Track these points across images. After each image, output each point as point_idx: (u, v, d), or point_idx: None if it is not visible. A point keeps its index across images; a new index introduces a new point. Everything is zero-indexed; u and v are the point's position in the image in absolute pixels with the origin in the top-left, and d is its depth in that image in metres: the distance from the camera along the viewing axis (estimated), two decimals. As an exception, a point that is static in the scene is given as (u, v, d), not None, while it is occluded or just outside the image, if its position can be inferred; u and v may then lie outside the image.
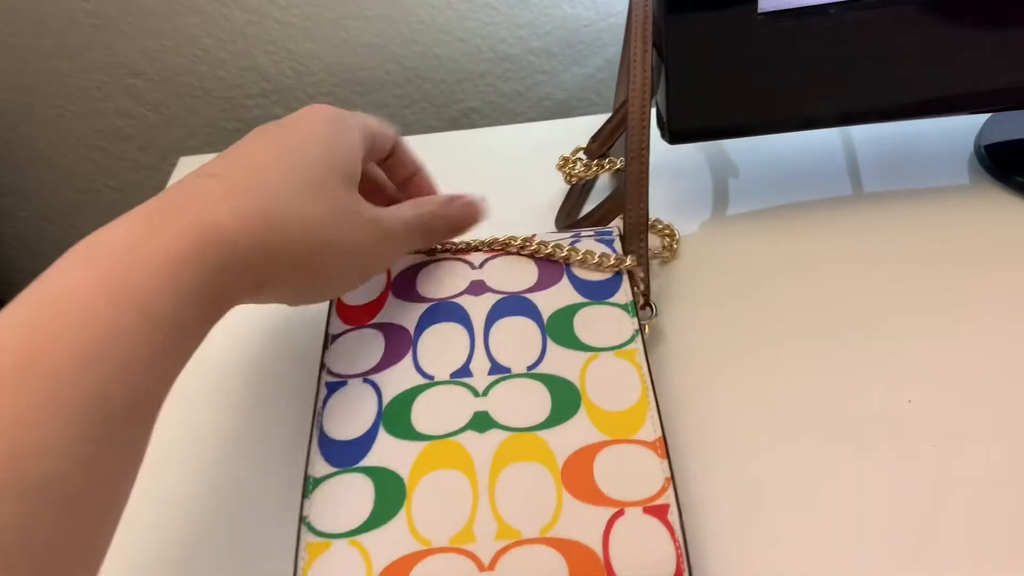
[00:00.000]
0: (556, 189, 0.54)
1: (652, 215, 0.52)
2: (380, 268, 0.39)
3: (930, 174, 0.53)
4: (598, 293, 0.41)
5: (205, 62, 0.72)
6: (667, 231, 0.50)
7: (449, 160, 0.62)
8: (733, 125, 0.48)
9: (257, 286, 0.32)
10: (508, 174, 0.57)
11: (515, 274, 0.41)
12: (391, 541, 0.33)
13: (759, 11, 0.44)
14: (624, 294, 0.41)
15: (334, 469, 0.35)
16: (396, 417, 0.36)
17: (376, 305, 0.40)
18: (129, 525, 0.37)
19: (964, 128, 0.56)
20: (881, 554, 0.35)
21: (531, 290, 0.41)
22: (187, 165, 0.65)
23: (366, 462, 0.35)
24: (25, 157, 0.80)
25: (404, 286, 0.41)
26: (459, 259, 0.42)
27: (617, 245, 0.43)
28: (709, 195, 0.54)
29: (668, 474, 0.34)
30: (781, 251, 0.49)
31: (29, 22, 0.70)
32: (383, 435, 0.35)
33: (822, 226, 0.50)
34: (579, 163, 0.52)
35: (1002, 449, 0.38)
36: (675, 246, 0.49)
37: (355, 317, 0.40)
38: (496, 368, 0.37)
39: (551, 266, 0.42)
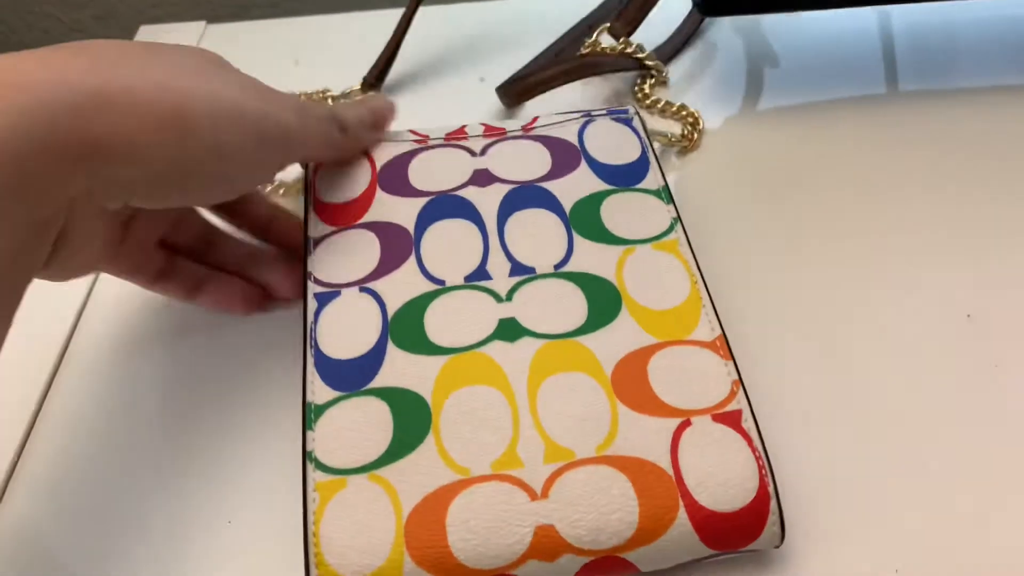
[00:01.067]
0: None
1: (677, 100, 0.46)
2: (289, 156, 0.32)
3: (974, 70, 0.48)
4: (624, 178, 0.35)
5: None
6: (691, 118, 0.45)
7: (477, 32, 0.55)
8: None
9: (91, 148, 0.25)
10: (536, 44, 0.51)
11: (524, 160, 0.36)
12: (420, 472, 0.27)
13: None
14: (654, 178, 0.36)
15: (339, 393, 0.29)
16: (406, 329, 0.31)
17: (362, 203, 0.34)
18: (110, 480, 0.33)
19: (1016, 16, 0.50)
20: (947, 475, 0.31)
21: (546, 178, 0.35)
22: (148, 34, 0.58)
23: (377, 383, 0.29)
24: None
25: (393, 179, 0.35)
26: (454, 145, 0.36)
27: (637, 125, 0.38)
28: (741, 82, 0.49)
29: (736, 376, 0.30)
30: (812, 150, 0.44)
31: None
32: (394, 351, 0.30)
33: (858, 126, 0.45)
34: (601, 44, 0.46)
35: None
36: (696, 136, 0.44)
37: (339, 217, 0.34)
38: (518, 268, 0.32)
39: (565, 149, 0.36)
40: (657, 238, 0.33)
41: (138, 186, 0.27)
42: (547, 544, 0.26)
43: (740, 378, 0.30)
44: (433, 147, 0.36)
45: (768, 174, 0.43)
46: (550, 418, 0.28)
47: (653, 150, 0.37)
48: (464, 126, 0.37)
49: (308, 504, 0.27)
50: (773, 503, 0.27)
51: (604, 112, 0.38)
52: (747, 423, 0.28)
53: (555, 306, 0.31)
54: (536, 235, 0.33)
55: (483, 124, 0.37)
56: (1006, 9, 0.51)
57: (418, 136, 0.37)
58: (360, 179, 0.35)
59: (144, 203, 0.28)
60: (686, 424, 0.28)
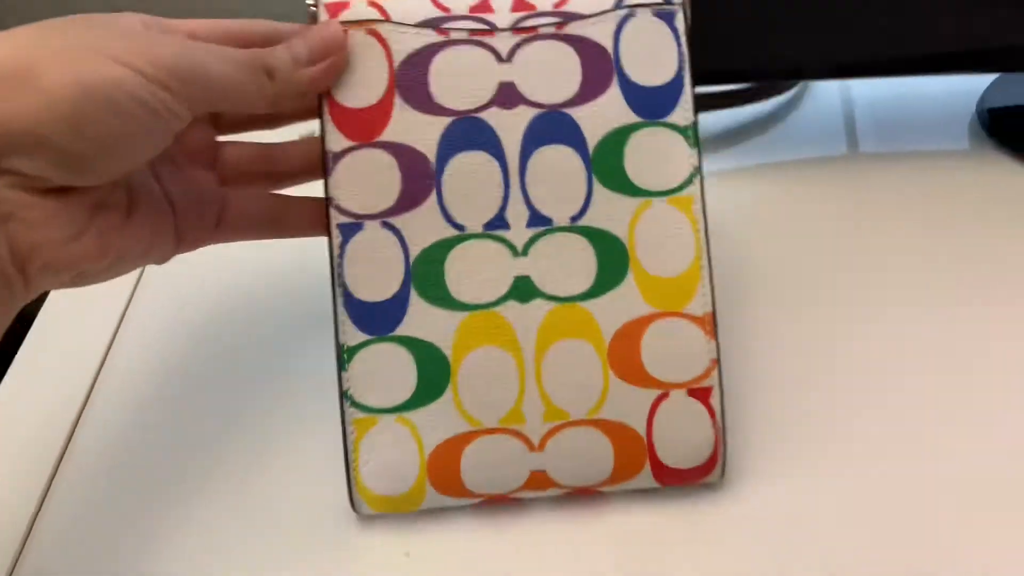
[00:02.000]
0: None
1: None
2: (187, 117, 0.29)
3: (930, 137, 0.53)
4: (655, 107, 0.33)
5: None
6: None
7: None
8: (735, 70, 0.48)
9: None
10: None
11: (555, 72, 0.33)
12: (441, 420, 0.33)
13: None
14: (685, 108, 0.33)
15: (368, 337, 0.33)
16: (428, 277, 0.33)
17: (380, 113, 0.33)
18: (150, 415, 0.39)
19: (968, 90, 0.55)
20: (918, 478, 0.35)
21: (575, 102, 0.33)
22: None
23: (402, 331, 0.33)
24: None
25: (413, 87, 0.33)
26: (479, 43, 0.33)
27: (680, 24, 0.34)
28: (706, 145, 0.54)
29: (715, 355, 0.33)
30: (774, 207, 0.49)
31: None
32: (416, 299, 0.33)
33: (817, 184, 0.50)
34: None
35: (998, 415, 0.38)
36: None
37: (358, 128, 0.33)
38: (536, 219, 0.33)
39: (598, 57, 0.33)
40: (674, 191, 0.33)
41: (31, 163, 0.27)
42: (539, 481, 0.33)
43: (719, 356, 0.33)
44: (456, 43, 0.33)
45: (731, 229, 0.48)
46: (552, 382, 0.33)
47: (690, 62, 0.34)
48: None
49: (347, 436, 0.33)
50: (719, 464, 0.34)
51: (647, 5, 0.34)
52: (714, 400, 0.33)
53: (567, 265, 0.33)
54: (557, 179, 0.33)
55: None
56: (953, 84, 0.56)
57: (440, 9, 0.33)
58: (376, 78, 0.33)
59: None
60: (664, 396, 0.33)
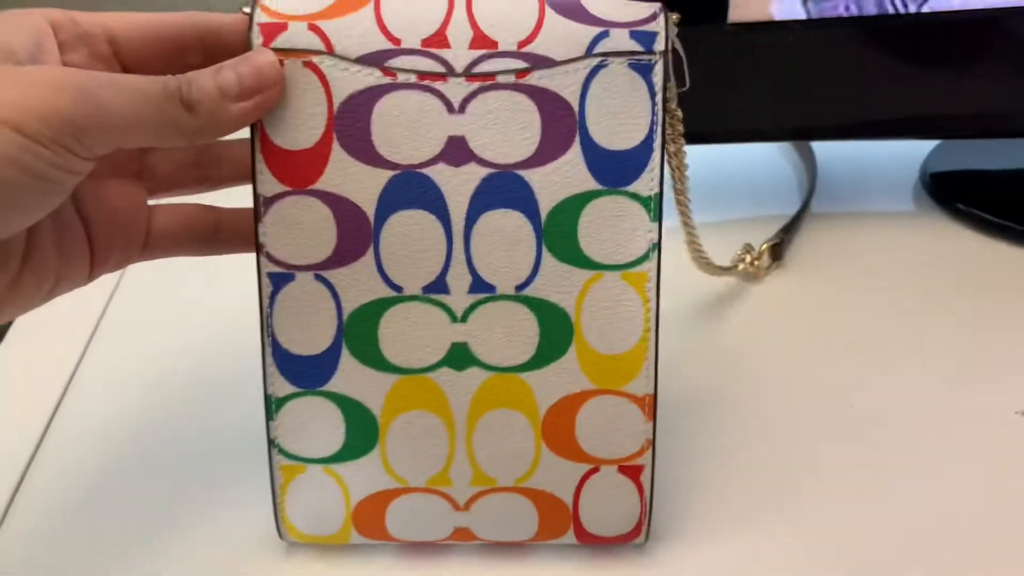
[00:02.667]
0: None
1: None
2: (77, 165, 0.25)
3: (877, 198, 0.56)
4: (618, 173, 0.31)
5: None
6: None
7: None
8: (704, 133, 0.50)
9: None
10: None
11: (511, 129, 0.30)
12: (367, 475, 0.33)
13: (728, 22, 0.46)
14: (651, 177, 0.31)
15: (297, 389, 0.32)
16: (361, 337, 0.31)
17: (317, 158, 0.30)
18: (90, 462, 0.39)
19: (912, 155, 0.58)
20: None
21: (530, 163, 0.30)
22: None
23: (332, 387, 0.32)
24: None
25: (353, 132, 0.30)
26: (429, 89, 0.30)
27: (657, 78, 0.30)
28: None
29: (650, 436, 0.32)
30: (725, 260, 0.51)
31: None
32: (348, 358, 0.31)
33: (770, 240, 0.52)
34: None
35: (940, 460, 0.39)
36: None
37: (291, 172, 0.30)
38: (478, 285, 0.31)
39: (561, 115, 0.30)
40: (629, 266, 0.31)
41: None
42: (463, 535, 0.34)
43: (654, 437, 0.32)
44: (403, 86, 0.29)
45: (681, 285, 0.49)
46: (482, 450, 0.32)
47: (664, 122, 0.31)
48: (446, 31, 0.30)
49: (275, 479, 0.33)
50: (644, 531, 0.34)
51: (622, 54, 0.30)
52: (644, 477, 0.33)
53: (508, 334, 0.31)
54: (504, 246, 0.31)
55: (471, 27, 0.30)
56: (898, 148, 0.59)
57: (389, 40, 0.30)
58: (314, 118, 0.30)
59: None
60: (595, 471, 0.33)
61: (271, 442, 0.32)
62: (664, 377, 0.33)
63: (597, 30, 0.30)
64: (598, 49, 0.30)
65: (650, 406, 0.32)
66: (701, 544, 0.35)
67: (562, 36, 0.30)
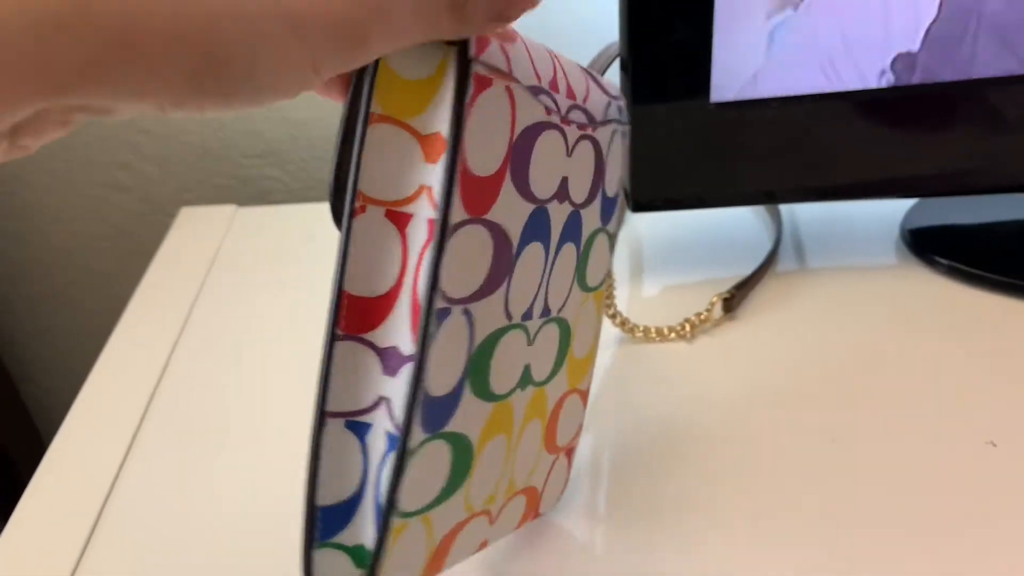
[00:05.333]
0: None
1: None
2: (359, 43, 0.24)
3: (860, 253, 0.60)
4: (606, 213, 0.35)
5: (208, 124, 0.78)
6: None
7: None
8: (688, 198, 0.55)
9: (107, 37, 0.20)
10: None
11: (585, 172, 0.33)
12: (450, 513, 0.31)
13: (711, 101, 0.50)
14: (618, 218, 0.37)
15: (427, 435, 0.28)
16: (478, 371, 0.30)
17: (494, 185, 0.28)
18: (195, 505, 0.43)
19: (892, 212, 0.62)
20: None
21: (585, 203, 0.33)
22: (188, 215, 0.70)
23: (450, 427, 0.29)
24: (25, 202, 0.84)
25: (520, 161, 0.29)
26: (561, 131, 0.30)
27: (625, 140, 0.36)
28: (649, 264, 0.60)
29: (583, 421, 0.39)
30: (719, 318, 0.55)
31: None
32: (467, 394, 0.29)
33: (759, 298, 0.56)
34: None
35: (918, 486, 0.43)
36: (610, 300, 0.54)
37: (477, 199, 0.27)
38: (545, 309, 0.32)
39: (599, 164, 0.33)
40: (598, 287, 0.36)
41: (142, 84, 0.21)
42: (482, 545, 0.36)
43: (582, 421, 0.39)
44: (552, 126, 0.30)
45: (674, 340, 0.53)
46: (518, 463, 0.35)
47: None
48: (557, 77, 0.30)
49: (382, 546, 0.29)
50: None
51: (622, 121, 0.35)
52: (574, 455, 0.40)
53: (547, 351, 0.34)
54: (564, 273, 0.33)
55: (564, 77, 0.31)
56: (879, 206, 0.63)
57: (536, 80, 0.29)
58: (500, 145, 0.28)
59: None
60: (557, 459, 0.38)
61: (391, 505, 0.28)
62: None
63: (608, 99, 0.33)
64: (611, 115, 0.33)
65: (587, 395, 0.38)
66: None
67: (597, 99, 0.33)
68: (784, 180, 0.54)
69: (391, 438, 0.29)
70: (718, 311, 0.54)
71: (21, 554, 0.42)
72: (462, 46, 0.26)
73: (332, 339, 0.28)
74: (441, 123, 0.27)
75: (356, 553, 0.30)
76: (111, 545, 0.42)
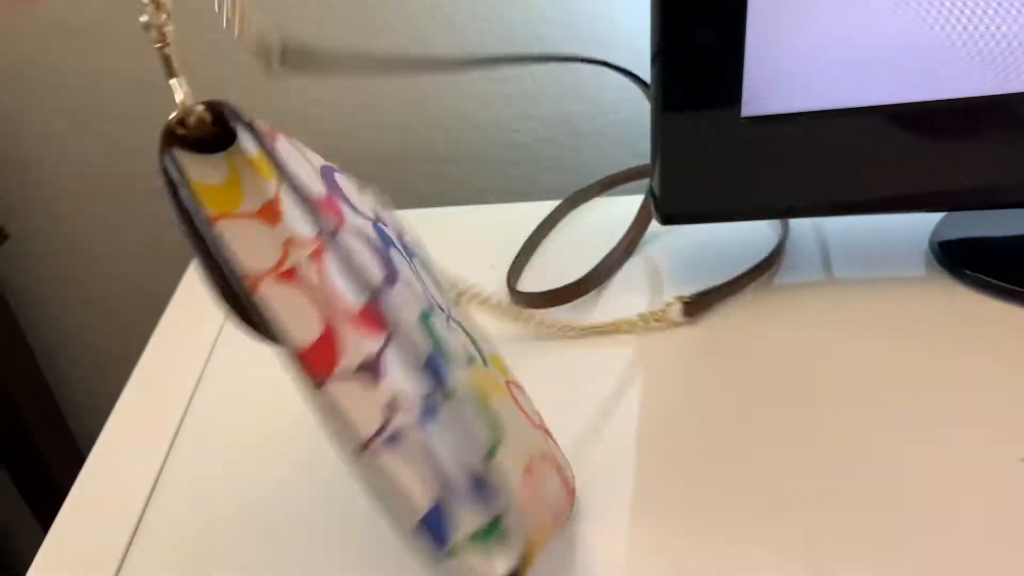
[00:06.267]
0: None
1: (641, 281, 0.58)
2: None
3: (889, 265, 0.60)
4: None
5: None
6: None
7: (459, 233, 0.68)
8: (717, 211, 0.55)
9: None
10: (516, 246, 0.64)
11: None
12: (516, 446, 0.35)
13: (742, 115, 0.51)
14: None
15: (444, 394, 0.33)
16: (436, 342, 0.34)
17: (332, 202, 0.33)
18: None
19: (922, 225, 0.63)
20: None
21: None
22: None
23: (452, 383, 0.34)
24: (62, 211, 0.86)
25: (331, 183, 0.35)
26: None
27: None
28: (679, 275, 0.61)
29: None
30: (747, 330, 0.55)
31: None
32: (444, 362, 0.34)
33: (789, 310, 0.57)
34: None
35: (952, 520, 0.43)
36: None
37: (330, 212, 0.32)
38: (443, 306, 0.38)
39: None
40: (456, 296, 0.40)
41: None
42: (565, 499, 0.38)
43: None
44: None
45: (706, 349, 0.54)
46: (522, 422, 0.37)
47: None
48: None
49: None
50: None
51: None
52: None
53: (465, 341, 0.37)
54: (424, 280, 0.37)
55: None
56: (908, 218, 0.64)
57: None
58: (307, 169, 0.33)
59: None
60: (548, 441, 0.40)
61: (478, 453, 0.33)
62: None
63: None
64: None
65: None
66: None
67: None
68: (815, 195, 0.54)
69: (426, 416, 0.31)
70: (676, 314, 0.54)
71: (61, 564, 0.43)
72: (236, 131, 0.30)
73: (318, 391, 0.30)
74: (264, 190, 0.30)
75: (477, 536, 0.32)
76: (150, 555, 0.43)
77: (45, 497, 0.96)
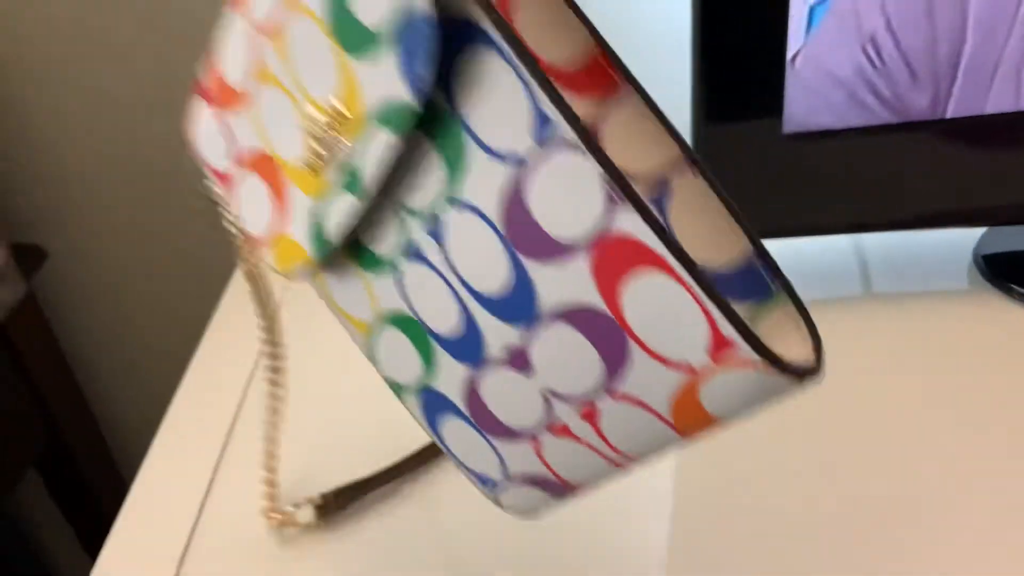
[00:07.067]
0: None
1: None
2: None
3: (933, 279, 0.59)
4: None
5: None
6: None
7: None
8: (758, 226, 0.55)
9: None
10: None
11: None
12: None
13: (783, 132, 0.51)
14: None
15: None
16: None
17: None
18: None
19: (965, 239, 0.62)
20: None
21: None
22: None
23: None
24: (98, 227, 0.87)
25: None
26: None
27: None
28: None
29: None
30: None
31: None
32: None
33: (831, 323, 0.56)
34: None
35: (1003, 539, 0.43)
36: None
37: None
38: None
39: None
40: None
41: None
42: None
43: None
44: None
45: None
46: None
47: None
48: None
49: None
50: None
51: None
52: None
53: None
54: None
55: None
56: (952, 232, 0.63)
57: None
58: None
59: None
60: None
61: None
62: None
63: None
64: None
65: None
66: None
67: None
68: (857, 211, 0.54)
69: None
70: (310, 516, 0.45)
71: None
72: None
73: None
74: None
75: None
76: None
77: (82, 513, 0.97)
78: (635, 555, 0.42)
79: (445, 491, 0.47)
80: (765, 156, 0.52)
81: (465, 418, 0.32)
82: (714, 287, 0.24)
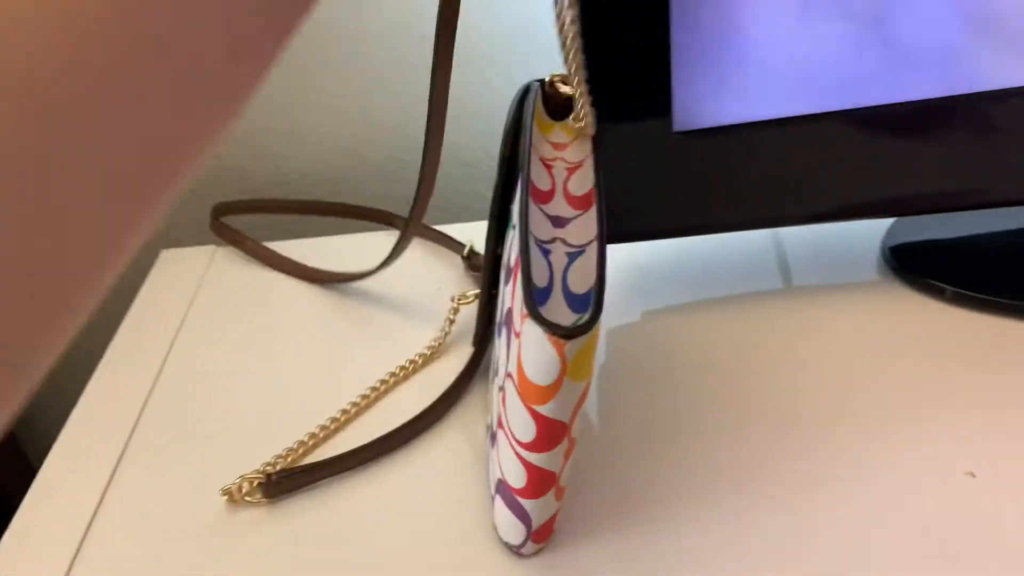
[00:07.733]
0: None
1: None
2: None
3: (842, 272, 0.59)
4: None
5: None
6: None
7: (405, 256, 0.67)
8: (656, 228, 0.54)
9: None
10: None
11: None
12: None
13: (674, 130, 0.50)
14: None
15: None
16: None
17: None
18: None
19: (872, 231, 0.62)
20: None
21: None
22: (167, 258, 0.70)
23: None
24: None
25: None
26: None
27: None
28: (638, 289, 0.60)
29: None
30: (705, 339, 0.54)
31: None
32: None
33: (744, 319, 0.56)
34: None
35: (894, 516, 0.42)
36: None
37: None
38: None
39: None
40: None
41: None
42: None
43: None
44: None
45: (661, 361, 0.53)
46: None
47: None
48: None
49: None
50: None
51: None
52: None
53: None
54: None
55: None
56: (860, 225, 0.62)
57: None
58: None
59: None
60: None
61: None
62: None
63: None
64: None
65: None
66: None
67: None
68: (754, 207, 0.53)
69: (570, 255, 0.39)
70: (257, 494, 0.45)
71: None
72: None
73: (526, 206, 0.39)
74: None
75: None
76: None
77: None
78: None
79: (403, 471, 0.46)
80: (659, 154, 0.51)
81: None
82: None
